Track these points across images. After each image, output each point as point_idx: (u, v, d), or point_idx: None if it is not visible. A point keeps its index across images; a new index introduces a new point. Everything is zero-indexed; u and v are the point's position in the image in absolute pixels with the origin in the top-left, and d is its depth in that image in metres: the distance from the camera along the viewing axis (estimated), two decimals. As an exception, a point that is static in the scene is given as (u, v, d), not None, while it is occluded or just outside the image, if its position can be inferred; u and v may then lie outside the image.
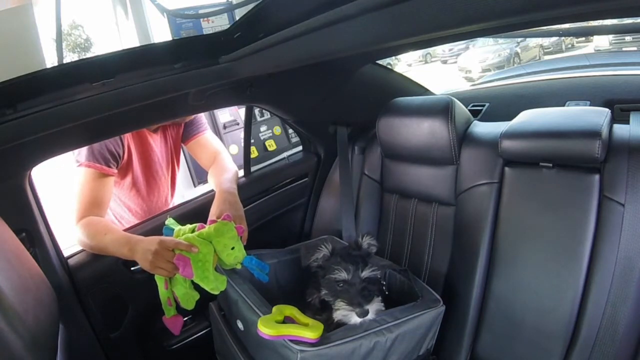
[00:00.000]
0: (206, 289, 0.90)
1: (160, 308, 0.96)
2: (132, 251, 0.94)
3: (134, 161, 1.19)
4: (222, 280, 0.92)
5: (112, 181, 1.12)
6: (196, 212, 1.20)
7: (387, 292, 0.98)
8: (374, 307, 0.82)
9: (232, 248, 0.94)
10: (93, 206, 1.05)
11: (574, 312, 0.89)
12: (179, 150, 1.35)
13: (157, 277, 0.94)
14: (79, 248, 1.08)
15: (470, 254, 1.03)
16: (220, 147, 1.30)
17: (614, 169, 0.87)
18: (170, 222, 1.03)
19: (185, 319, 1.24)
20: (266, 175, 1.40)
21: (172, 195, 1.39)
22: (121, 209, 1.27)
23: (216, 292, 0.91)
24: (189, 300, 0.94)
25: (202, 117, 1.32)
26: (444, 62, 11.39)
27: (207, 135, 1.31)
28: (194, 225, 0.98)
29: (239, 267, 0.97)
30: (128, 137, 1.15)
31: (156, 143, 1.25)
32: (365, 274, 0.85)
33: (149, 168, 1.25)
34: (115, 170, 1.12)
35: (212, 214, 1.04)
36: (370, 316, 0.80)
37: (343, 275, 0.85)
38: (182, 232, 0.97)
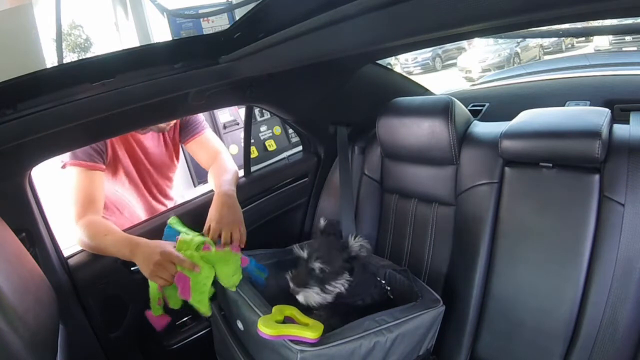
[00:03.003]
0: (199, 311, 0.91)
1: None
2: (132, 253, 0.94)
3: (121, 157, 1.19)
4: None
5: (101, 176, 1.11)
6: (196, 212, 1.20)
7: (391, 297, 0.97)
8: (306, 293, 0.85)
9: (233, 275, 0.94)
10: (88, 203, 1.05)
11: (574, 312, 0.89)
12: (178, 148, 1.34)
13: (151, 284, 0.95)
14: (79, 248, 1.08)
15: (470, 254, 1.03)
16: (220, 147, 1.30)
17: (614, 169, 0.87)
18: (172, 221, 1.03)
19: (185, 319, 1.24)
20: (266, 175, 1.40)
21: (169, 196, 1.39)
22: (122, 201, 1.28)
23: (207, 315, 0.92)
24: (176, 302, 0.95)
25: (200, 116, 1.31)
26: (409, 73, 10.04)
27: (206, 135, 1.30)
28: (199, 240, 0.96)
29: (233, 289, 0.94)
30: None
31: (147, 141, 1.24)
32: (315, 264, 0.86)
33: (140, 164, 1.25)
34: (103, 166, 1.12)
35: (211, 217, 1.03)
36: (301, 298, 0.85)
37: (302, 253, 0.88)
38: (186, 247, 0.95)
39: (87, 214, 1.04)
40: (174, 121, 1.23)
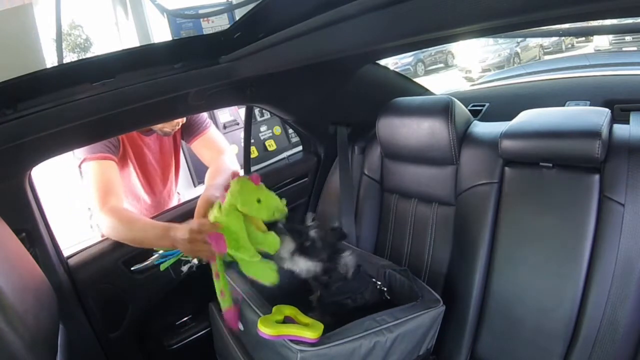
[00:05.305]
0: (245, 258, 0.84)
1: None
2: (165, 237, 0.90)
3: (130, 155, 1.21)
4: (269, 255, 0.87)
5: (115, 166, 1.12)
6: (196, 212, 1.21)
7: (388, 297, 0.97)
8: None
9: (259, 201, 0.84)
10: (108, 190, 1.05)
11: (574, 312, 0.89)
12: (179, 148, 1.35)
13: (212, 268, 0.88)
14: (79, 248, 1.08)
15: (470, 254, 1.03)
16: (223, 146, 1.30)
17: (614, 169, 0.87)
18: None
19: (185, 319, 1.24)
20: (266, 175, 1.40)
21: (171, 196, 1.40)
22: (131, 200, 1.29)
23: (256, 259, 0.84)
24: (265, 274, 0.86)
25: (204, 115, 1.31)
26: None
27: (211, 133, 1.30)
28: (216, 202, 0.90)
29: (280, 215, 0.86)
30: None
31: (153, 143, 1.25)
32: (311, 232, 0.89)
33: (148, 165, 1.26)
34: (116, 158, 1.13)
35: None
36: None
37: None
38: (209, 212, 0.90)
39: (109, 201, 1.03)
40: (180, 124, 1.24)
